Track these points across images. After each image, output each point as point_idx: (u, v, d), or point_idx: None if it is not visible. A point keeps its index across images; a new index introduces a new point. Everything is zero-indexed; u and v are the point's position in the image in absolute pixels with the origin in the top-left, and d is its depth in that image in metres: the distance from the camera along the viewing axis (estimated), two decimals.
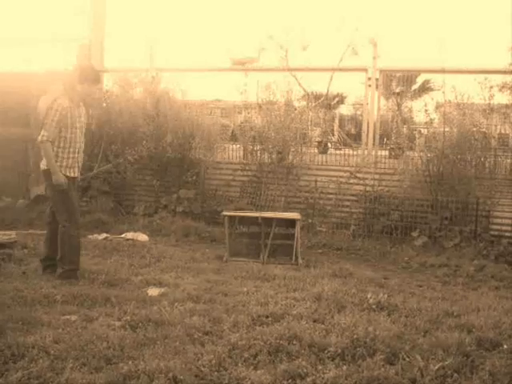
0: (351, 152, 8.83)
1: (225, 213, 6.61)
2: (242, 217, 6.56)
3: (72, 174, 5.07)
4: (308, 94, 10.48)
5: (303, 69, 9.69)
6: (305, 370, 3.16)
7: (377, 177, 7.69)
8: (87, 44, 9.47)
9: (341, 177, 7.75)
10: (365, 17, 25.97)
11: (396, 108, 14.70)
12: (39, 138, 4.92)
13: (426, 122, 8.30)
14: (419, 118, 9.22)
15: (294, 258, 6.10)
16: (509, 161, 7.53)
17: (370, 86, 8.15)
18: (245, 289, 4.79)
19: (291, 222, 6.33)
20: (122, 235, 6.97)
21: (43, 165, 5.06)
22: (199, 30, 34.28)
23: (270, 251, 6.21)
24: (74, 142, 5.03)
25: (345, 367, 3.22)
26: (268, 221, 6.28)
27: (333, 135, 12.46)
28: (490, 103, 7.32)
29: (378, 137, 8.12)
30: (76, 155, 5.09)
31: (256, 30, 36.69)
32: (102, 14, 9.78)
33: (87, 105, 5.37)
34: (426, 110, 7.71)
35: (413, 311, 4.31)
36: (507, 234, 7.08)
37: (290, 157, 8.03)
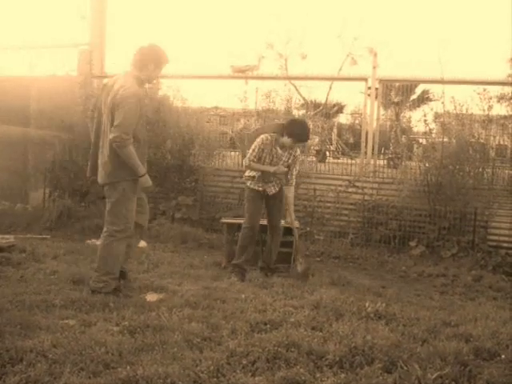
0: (350, 161, 8.85)
1: (223, 220, 6.61)
2: (241, 224, 6.55)
3: (260, 189, 5.88)
4: (307, 103, 10.53)
5: (303, 77, 9.74)
6: (303, 378, 3.16)
7: (375, 186, 7.70)
8: (88, 49, 9.50)
9: (339, 185, 7.76)
10: (364, 25, 26.09)
11: (395, 118, 14.74)
12: (244, 162, 5.84)
13: (424, 132, 8.33)
14: (418, 127, 9.25)
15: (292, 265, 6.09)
16: (507, 172, 7.56)
17: (369, 95, 8.18)
18: (243, 296, 4.78)
19: (290, 230, 6.33)
20: None
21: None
22: (200, 37, 34.48)
23: None
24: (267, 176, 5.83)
25: (343, 375, 3.23)
26: (266, 228, 6.28)
27: (331, 144, 12.48)
28: (488, 114, 7.36)
29: (376, 146, 8.15)
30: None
31: (256, 37, 36.94)
32: (102, 20, 9.82)
33: None
34: (425, 120, 7.74)
35: (411, 320, 4.31)
36: (505, 245, 7.11)
37: None
